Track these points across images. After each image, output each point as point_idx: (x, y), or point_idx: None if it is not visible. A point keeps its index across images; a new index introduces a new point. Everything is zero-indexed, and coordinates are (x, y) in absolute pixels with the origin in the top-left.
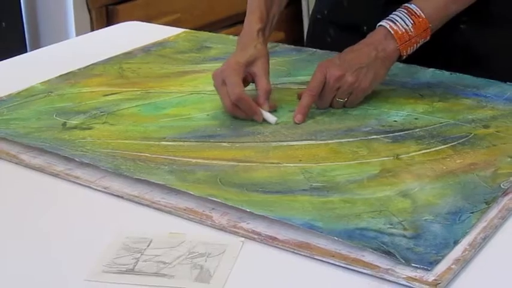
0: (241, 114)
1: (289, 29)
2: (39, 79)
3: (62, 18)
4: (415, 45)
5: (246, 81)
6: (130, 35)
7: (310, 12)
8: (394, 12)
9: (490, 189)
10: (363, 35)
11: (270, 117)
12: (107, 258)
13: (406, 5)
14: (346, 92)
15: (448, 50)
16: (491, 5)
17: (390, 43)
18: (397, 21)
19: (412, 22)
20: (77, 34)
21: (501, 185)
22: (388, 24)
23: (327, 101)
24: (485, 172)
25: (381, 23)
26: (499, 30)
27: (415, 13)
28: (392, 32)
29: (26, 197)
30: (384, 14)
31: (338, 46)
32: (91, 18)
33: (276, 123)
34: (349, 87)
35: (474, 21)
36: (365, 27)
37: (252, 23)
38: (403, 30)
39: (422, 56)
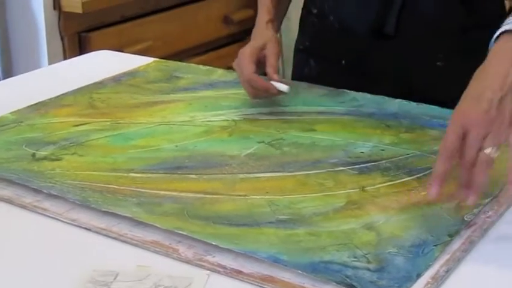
0: (260, 94)
1: None
2: (10, 109)
3: (34, 46)
4: None
5: (262, 65)
6: (102, 64)
7: (282, 40)
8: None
9: (454, 222)
10: (341, 69)
11: (282, 86)
12: None
13: None
14: (497, 136)
15: (424, 86)
16: (466, 40)
17: None
18: None
19: None
20: (50, 62)
21: (465, 218)
22: None
23: (471, 157)
24: (449, 204)
25: (505, 29)
26: (474, 67)
27: None
28: None
29: None
30: (367, 48)
31: (315, 77)
32: (63, 46)
33: (288, 91)
34: (499, 131)
35: (450, 59)
36: (343, 61)
37: (261, 16)
38: None
39: (397, 93)
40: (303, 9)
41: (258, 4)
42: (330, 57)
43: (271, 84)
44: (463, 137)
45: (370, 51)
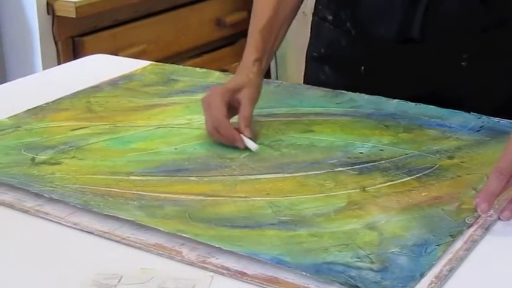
0: (221, 139)
1: None
2: (6, 114)
3: (28, 51)
4: None
5: (234, 109)
6: (97, 68)
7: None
8: None
9: (455, 223)
10: (360, 75)
11: (251, 143)
12: None
13: None
14: None
15: (447, 87)
16: (488, 39)
17: None
18: None
19: None
20: (44, 66)
21: (466, 220)
22: None
23: None
24: (450, 206)
25: None
26: (497, 65)
27: None
28: None
29: None
30: (388, 54)
31: (332, 84)
32: (57, 50)
33: (257, 151)
34: None
35: (474, 58)
36: (362, 68)
37: (248, 53)
38: None
39: (420, 96)
40: (314, 15)
41: (248, 37)
42: (348, 64)
43: (241, 137)
44: None
45: (392, 56)
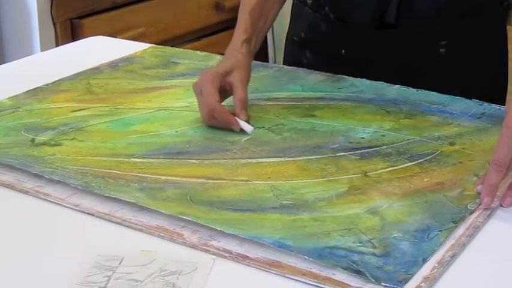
0: (217, 124)
1: None
2: (5, 95)
3: (26, 33)
4: None
5: (226, 91)
6: (97, 50)
7: (274, 31)
8: None
9: (457, 210)
10: (341, 59)
11: (246, 126)
12: (79, 277)
13: None
14: None
15: (427, 73)
16: (467, 26)
17: None
18: None
19: None
20: (42, 48)
21: (468, 206)
22: None
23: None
24: (452, 192)
25: None
26: (476, 52)
27: None
28: None
29: None
30: (367, 38)
31: (313, 68)
32: (56, 32)
33: (252, 133)
34: None
35: (453, 45)
36: (343, 51)
37: (237, 34)
38: None
39: (400, 82)
40: None
41: (238, 19)
42: (328, 48)
43: (236, 120)
44: None
45: (371, 41)
